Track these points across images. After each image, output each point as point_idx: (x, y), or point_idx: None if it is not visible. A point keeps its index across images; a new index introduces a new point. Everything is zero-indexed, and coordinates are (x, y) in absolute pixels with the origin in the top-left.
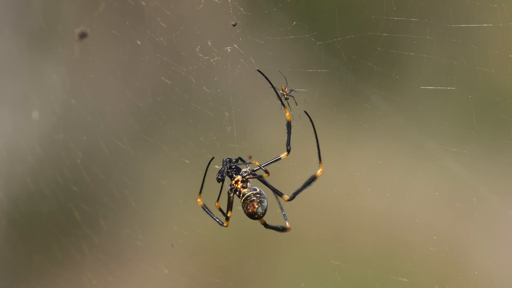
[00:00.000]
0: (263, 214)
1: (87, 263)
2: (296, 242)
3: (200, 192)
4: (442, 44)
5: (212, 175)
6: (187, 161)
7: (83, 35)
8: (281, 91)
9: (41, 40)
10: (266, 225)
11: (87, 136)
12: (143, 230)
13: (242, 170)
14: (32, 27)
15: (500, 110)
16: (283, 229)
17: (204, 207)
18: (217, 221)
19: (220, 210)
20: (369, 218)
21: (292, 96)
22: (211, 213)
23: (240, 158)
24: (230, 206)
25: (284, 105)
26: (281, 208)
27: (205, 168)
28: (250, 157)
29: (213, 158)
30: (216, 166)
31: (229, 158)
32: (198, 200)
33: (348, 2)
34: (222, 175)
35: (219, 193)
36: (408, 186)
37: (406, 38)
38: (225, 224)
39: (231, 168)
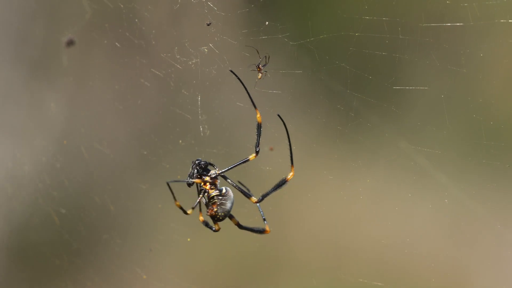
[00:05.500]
0: (224, 216)
1: (65, 268)
2: (282, 259)
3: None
4: (414, 43)
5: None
6: (166, 165)
7: (70, 43)
8: (259, 69)
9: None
10: (240, 226)
11: (66, 140)
12: (122, 235)
13: (211, 171)
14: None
15: (472, 109)
16: (261, 231)
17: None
18: (209, 228)
19: (205, 223)
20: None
21: (266, 70)
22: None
23: (208, 162)
24: (199, 204)
25: (255, 107)
26: (259, 209)
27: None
28: (271, 149)
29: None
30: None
31: (198, 160)
32: (200, 217)
33: (320, 2)
34: (191, 177)
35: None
36: (380, 192)
37: (378, 37)
38: (215, 228)
39: (200, 169)
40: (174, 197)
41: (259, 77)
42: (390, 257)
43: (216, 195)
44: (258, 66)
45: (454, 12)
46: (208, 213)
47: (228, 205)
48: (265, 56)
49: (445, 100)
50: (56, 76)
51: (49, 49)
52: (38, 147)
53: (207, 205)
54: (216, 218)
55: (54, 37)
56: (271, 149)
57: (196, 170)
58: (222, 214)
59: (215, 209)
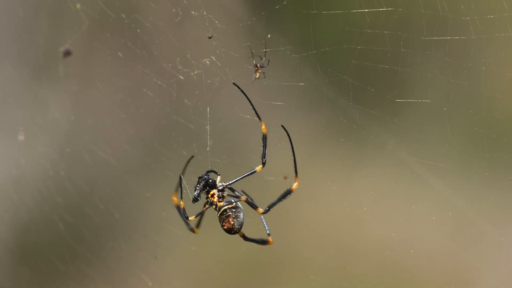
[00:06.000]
0: (240, 228)
1: (70, 274)
2: (288, 264)
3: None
4: (416, 56)
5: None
6: (170, 173)
7: (67, 53)
8: (256, 68)
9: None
10: (245, 238)
11: (70, 148)
12: (127, 241)
13: (218, 183)
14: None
15: (474, 122)
16: (264, 242)
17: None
18: (186, 224)
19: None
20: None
21: (265, 69)
22: (185, 214)
23: (213, 171)
24: (201, 215)
25: (260, 119)
26: (263, 221)
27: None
28: (285, 178)
29: (192, 156)
30: (192, 178)
31: (205, 177)
32: (174, 198)
33: (322, 15)
34: (198, 195)
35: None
36: (381, 198)
37: (380, 50)
38: (196, 231)
39: (207, 184)
40: (181, 196)
41: (256, 76)
42: (393, 266)
43: (229, 208)
44: (256, 65)
45: (455, 26)
46: (225, 227)
47: (241, 216)
48: (265, 57)
49: (447, 113)
50: (60, 84)
51: (53, 57)
52: (42, 154)
53: (219, 218)
54: (233, 231)
55: (57, 45)
56: (285, 178)
57: (203, 182)
58: (238, 226)
59: (232, 222)
